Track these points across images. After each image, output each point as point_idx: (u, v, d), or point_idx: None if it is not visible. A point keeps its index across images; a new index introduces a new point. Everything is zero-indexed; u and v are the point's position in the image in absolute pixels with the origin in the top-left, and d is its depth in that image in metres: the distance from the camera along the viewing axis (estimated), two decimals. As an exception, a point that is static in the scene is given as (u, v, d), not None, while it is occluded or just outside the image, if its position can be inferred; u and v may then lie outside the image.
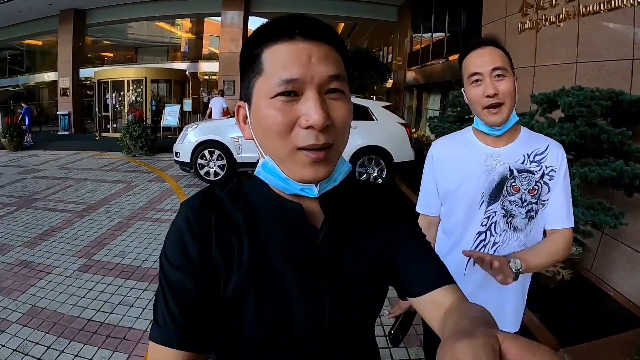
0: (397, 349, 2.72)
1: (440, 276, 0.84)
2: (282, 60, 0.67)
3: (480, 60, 1.40)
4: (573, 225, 1.50)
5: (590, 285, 4.18)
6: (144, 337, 3.03)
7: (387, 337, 1.92)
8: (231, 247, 0.72)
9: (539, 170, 1.46)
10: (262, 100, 0.69)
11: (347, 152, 7.46)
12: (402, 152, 7.77)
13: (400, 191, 0.98)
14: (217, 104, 12.27)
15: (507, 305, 1.58)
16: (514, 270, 1.34)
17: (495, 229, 1.50)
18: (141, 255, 4.47)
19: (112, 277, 3.95)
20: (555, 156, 1.46)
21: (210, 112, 12.21)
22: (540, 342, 2.35)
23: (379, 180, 7.85)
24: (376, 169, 7.86)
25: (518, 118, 1.47)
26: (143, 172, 9.06)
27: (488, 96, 1.38)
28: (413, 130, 10.91)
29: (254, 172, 0.79)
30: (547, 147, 1.47)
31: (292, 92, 0.67)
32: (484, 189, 1.48)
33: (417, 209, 1.75)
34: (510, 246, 1.49)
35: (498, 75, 1.38)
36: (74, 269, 4.14)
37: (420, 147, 9.30)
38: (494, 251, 1.50)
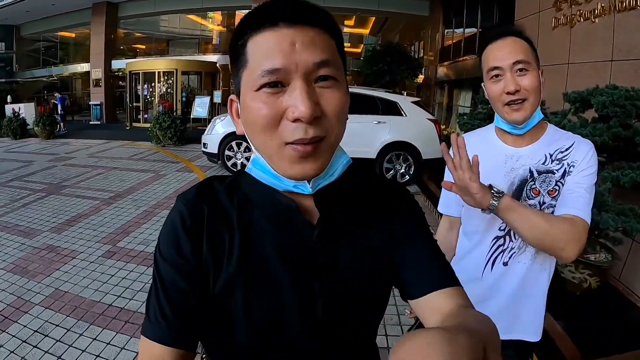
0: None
1: (442, 278, 0.77)
2: (264, 50, 0.62)
3: (501, 53, 1.28)
4: (588, 220, 1.26)
5: (618, 295, 4.01)
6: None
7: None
8: (222, 241, 0.69)
9: (560, 168, 1.33)
10: (248, 93, 0.65)
11: (375, 148, 7.60)
12: (430, 148, 7.56)
13: (403, 186, 0.90)
14: None
15: (524, 312, 1.49)
16: (495, 192, 1.25)
17: (514, 234, 1.40)
18: None
19: (135, 264, 4.01)
20: (580, 153, 1.31)
21: None
22: (562, 351, 2.25)
23: (406, 176, 7.74)
24: (404, 165, 7.72)
25: (542, 116, 1.36)
26: (171, 162, 9.19)
27: (509, 92, 1.27)
28: (443, 127, 10.73)
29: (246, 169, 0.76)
30: (573, 144, 1.34)
31: (277, 83, 0.62)
32: (504, 191, 1.36)
33: (439, 209, 1.70)
34: (528, 252, 1.41)
35: (520, 70, 1.26)
36: (98, 254, 4.23)
37: (449, 144, 9.16)
38: (510, 257, 1.43)
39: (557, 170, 1.33)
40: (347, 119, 0.70)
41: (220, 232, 0.70)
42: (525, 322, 1.50)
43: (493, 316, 1.37)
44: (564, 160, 1.33)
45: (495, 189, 1.25)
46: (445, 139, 8.90)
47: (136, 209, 5.76)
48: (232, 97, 0.73)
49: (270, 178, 0.69)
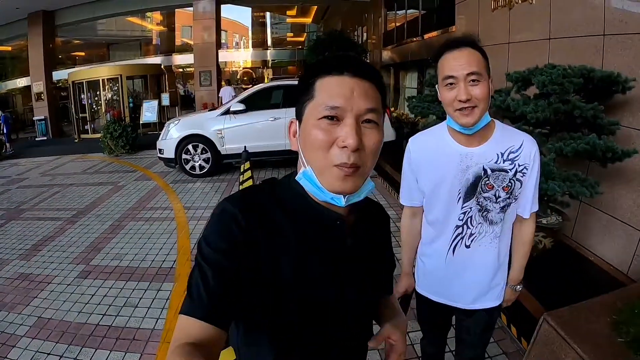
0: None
1: (390, 286, 1.25)
2: (330, 90, 0.83)
3: (456, 64, 1.42)
4: (537, 209, 1.69)
5: (571, 252, 4.38)
6: (153, 335, 3.14)
7: None
8: (274, 241, 0.86)
9: (512, 168, 1.55)
10: (311, 120, 0.84)
11: None
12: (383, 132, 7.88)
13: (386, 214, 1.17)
14: (226, 93, 12.23)
15: (490, 283, 1.76)
16: (518, 291, 1.85)
17: (471, 222, 1.63)
18: (138, 256, 4.55)
19: (113, 280, 4.03)
20: (529, 154, 1.56)
21: (221, 102, 12.27)
22: (526, 307, 2.51)
23: None
24: None
25: (490, 118, 1.55)
26: (128, 172, 9.04)
27: (460, 100, 1.43)
28: (392, 109, 10.99)
29: (295, 177, 0.94)
30: (522, 145, 1.56)
31: (334, 117, 0.82)
32: (460, 187, 1.60)
33: (402, 202, 1.88)
34: (487, 237, 1.65)
35: (473, 80, 1.41)
36: (73, 276, 4.20)
37: (400, 126, 9.43)
38: (471, 241, 1.66)
39: (509, 169, 1.55)
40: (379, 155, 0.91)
41: (270, 231, 0.86)
42: (492, 291, 1.78)
43: (462, 290, 1.74)
44: (516, 160, 1.55)
45: (517, 289, 1.86)
46: (396, 122, 9.18)
47: (102, 224, 5.70)
48: (293, 119, 0.94)
49: (314, 188, 0.87)
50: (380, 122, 0.88)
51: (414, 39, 12.68)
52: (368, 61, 18.08)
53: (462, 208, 1.61)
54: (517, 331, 3.06)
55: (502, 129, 1.59)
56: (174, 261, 4.37)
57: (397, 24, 15.29)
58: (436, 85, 1.56)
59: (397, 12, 15.46)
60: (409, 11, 14.21)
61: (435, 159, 1.64)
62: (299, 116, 0.90)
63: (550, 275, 3.72)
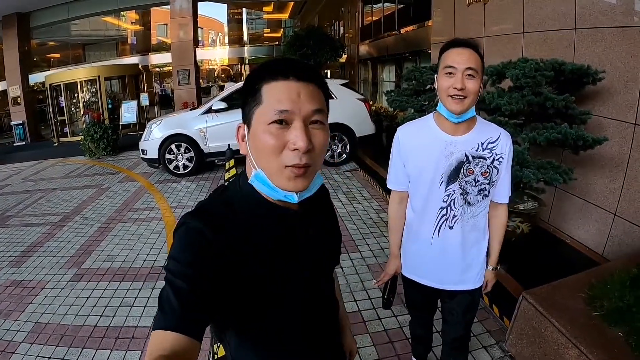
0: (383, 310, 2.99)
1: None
2: (277, 95, 0.87)
3: (459, 58, 1.61)
4: (510, 194, 1.92)
5: (548, 235, 4.59)
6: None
7: (382, 302, 2.23)
8: (239, 245, 0.91)
9: (490, 156, 1.77)
10: (260, 126, 0.88)
11: None
12: (363, 126, 8.14)
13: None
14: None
15: (470, 265, 1.95)
16: (496, 271, 2.05)
17: (454, 204, 1.83)
18: (129, 257, 4.60)
19: (106, 281, 4.07)
20: (505, 145, 1.78)
21: None
22: (507, 289, 2.67)
23: (344, 155, 8.21)
24: (340, 145, 8.18)
25: (475, 113, 1.76)
26: (111, 174, 8.99)
27: (455, 88, 1.63)
28: (371, 102, 11.15)
29: (242, 180, 1.00)
30: (499, 137, 1.78)
31: (283, 121, 0.86)
32: (444, 171, 1.79)
33: (389, 186, 2.06)
34: (466, 217, 1.85)
35: (469, 75, 1.61)
36: (67, 279, 4.22)
37: (379, 119, 9.58)
38: (454, 222, 1.85)
39: (487, 157, 1.76)
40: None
41: (237, 238, 0.91)
42: (473, 272, 1.97)
43: (447, 272, 1.96)
44: (494, 150, 1.76)
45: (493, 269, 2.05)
46: (375, 115, 9.33)
47: (90, 228, 5.70)
48: (241, 124, 0.97)
49: (267, 189, 0.92)
50: (326, 121, 0.94)
51: (391, 33, 12.81)
52: (346, 55, 18.27)
53: (445, 191, 1.81)
54: (499, 311, 3.24)
55: (483, 122, 1.81)
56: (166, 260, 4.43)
57: (374, 18, 15.41)
58: (435, 75, 1.76)
59: (374, 6, 15.56)
60: (385, 5, 14.33)
61: (423, 146, 1.83)
62: (247, 121, 0.94)
63: (529, 258, 3.92)
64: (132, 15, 22.59)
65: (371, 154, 8.59)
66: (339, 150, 8.21)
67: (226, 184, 1.08)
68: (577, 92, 3.72)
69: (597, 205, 4.09)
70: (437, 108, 1.79)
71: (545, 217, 4.74)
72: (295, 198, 0.92)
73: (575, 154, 3.60)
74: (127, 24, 23.07)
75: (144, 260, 4.47)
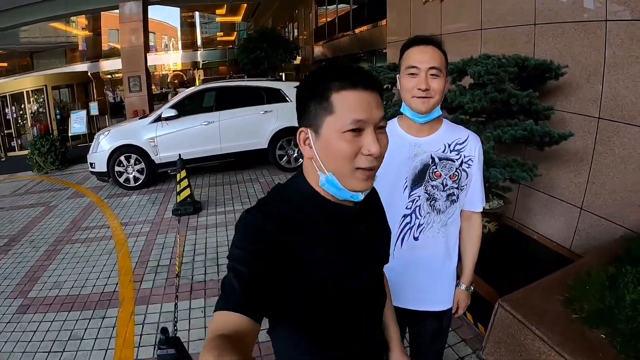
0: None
1: None
2: (351, 105, 0.91)
3: (421, 57, 1.53)
4: (484, 204, 1.81)
5: (515, 232, 4.56)
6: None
7: None
8: (298, 244, 0.94)
9: (459, 158, 1.64)
10: (334, 133, 0.92)
11: (265, 137, 7.78)
12: None
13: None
14: None
15: (438, 282, 1.78)
16: (470, 291, 1.90)
17: (419, 212, 1.67)
18: (78, 282, 4.26)
19: (54, 312, 3.74)
20: (474, 147, 1.67)
21: None
22: (479, 292, 2.54)
23: (300, 160, 8.02)
24: (296, 150, 8.06)
25: (441, 112, 1.64)
26: (59, 190, 8.49)
27: (419, 89, 1.52)
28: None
29: (296, 180, 1.06)
30: (467, 138, 1.67)
31: (357, 129, 0.91)
32: (407, 174, 1.64)
33: None
34: (435, 227, 1.69)
35: (433, 74, 1.53)
36: (12, 312, 3.85)
37: None
38: (420, 232, 1.68)
39: (455, 159, 1.64)
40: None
41: (296, 233, 0.95)
42: (441, 291, 1.81)
43: (411, 289, 1.72)
44: (462, 152, 1.64)
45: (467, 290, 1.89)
46: None
47: (36, 251, 5.29)
48: (303, 129, 1.00)
49: (335, 190, 0.98)
50: (386, 124, 1.00)
51: (346, 33, 12.79)
52: (300, 57, 18.21)
53: (409, 196, 1.66)
54: (473, 317, 3.14)
55: (449, 124, 1.71)
56: (116, 284, 4.14)
57: (328, 19, 15.41)
58: (397, 75, 1.66)
59: (328, 7, 15.55)
60: (339, 6, 14.32)
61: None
62: (313, 127, 0.97)
63: (497, 257, 3.81)
64: (82, 20, 21.84)
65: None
66: (295, 155, 8.11)
67: (283, 182, 1.11)
68: (539, 87, 3.70)
69: (562, 200, 4.08)
70: (401, 110, 1.68)
71: (509, 214, 4.72)
72: (361, 197, 1.00)
73: (541, 150, 3.56)
74: (77, 29, 22.27)
75: (94, 286, 4.15)
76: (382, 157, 0.98)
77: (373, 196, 1.21)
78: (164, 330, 2.18)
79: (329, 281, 0.99)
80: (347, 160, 0.93)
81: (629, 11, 3.28)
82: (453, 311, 1.89)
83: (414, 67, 1.54)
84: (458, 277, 1.88)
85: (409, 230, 1.69)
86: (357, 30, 11.82)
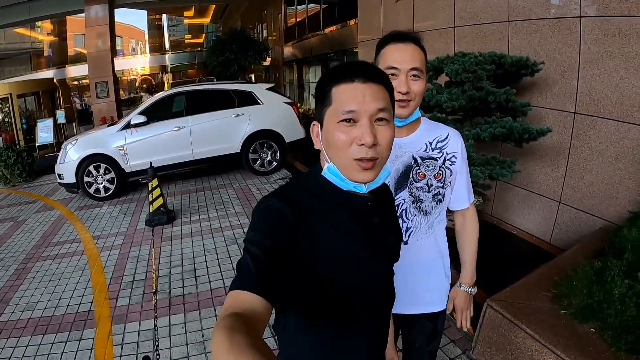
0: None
1: None
2: (344, 97, 0.96)
3: (401, 57, 1.44)
4: (473, 199, 1.75)
5: (494, 228, 4.61)
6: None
7: None
8: (315, 231, 0.97)
9: (441, 156, 1.57)
10: (331, 124, 0.98)
11: (238, 141, 7.63)
12: (292, 131, 7.94)
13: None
14: None
15: (432, 285, 1.71)
16: (472, 294, 1.80)
17: (406, 215, 1.60)
18: (51, 302, 4.04)
19: (28, 335, 3.52)
20: (456, 143, 1.60)
21: None
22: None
23: (274, 163, 7.98)
24: (269, 153, 7.94)
25: (420, 114, 1.57)
26: (28, 203, 8.14)
27: (400, 92, 1.42)
28: (298, 105, 11.07)
29: (319, 172, 1.06)
30: (448, 135, 1.59)
31: (351, 120, 0.95)
32: (390, 178, 1.55)
33: None
34: (422, 229, 1.62)
35: (414, 76, 1.44)
36: (-17, 338, 3.60)
37: (308, 122, 9.49)
38: (409, 236, 1.61)
39: (438, 157, 1.56)
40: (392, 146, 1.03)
41: (313, 220, 0.97)
42: (435, 294, 1.73)
43: (403, 294, 1.55)
44: (444, 149, 1.57)
45: (471, 292, 1.81)
46: (304, 118, 9.22)
47: (6, 270, 5.00)
48: (315, 123, 1.05)
49: (339, 180, 1.01)
50: (391, 118, 1.01)
51: (316, 33, 12.76)
52: (270, 58, 18.09)
53: (395, 200, 1.56)
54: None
55: (428, 122, 1.63)
56: (91, 302, 3.95)
57: (298, 19, 15.34)
58: None
59: (297, 7, 15.47)
60: (309, 6, 14.27)
61: None
62: (320, 120, 1.03)
63: (480, 255, 3.83)
64: (47, 25, 21.18)
65: (302, 159, 8.46)
66: (269, 158, 7.98)
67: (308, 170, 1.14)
68: (514, 84, 3.72)
69: (541, 195, 4.13)
70: None
71: (488, 210, 4.75)
72: (364, 189, 1.02)
73: (519, 147, 3.58)
74: (42, 35, 21.62)
75: (67, 305, 3.93)
76: (384, 148, 0.99)
77: (386, 194, 1.24)
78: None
79: (344, 269, 1.01)
80: (342, 150, 0.97)
81: (603, 7, 3.34)
82: (448, 312, 1.82)
83: (393, 67, 1.44)
84: (453, 277, 1.81)
85: None
86: (327, 30, 11.78)
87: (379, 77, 1.00)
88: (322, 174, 1.04)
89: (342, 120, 0.96)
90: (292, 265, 0.90)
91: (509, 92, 3.38)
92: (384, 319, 1.22)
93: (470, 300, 1.81)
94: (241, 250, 0.93)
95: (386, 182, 1.16)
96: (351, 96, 0.95)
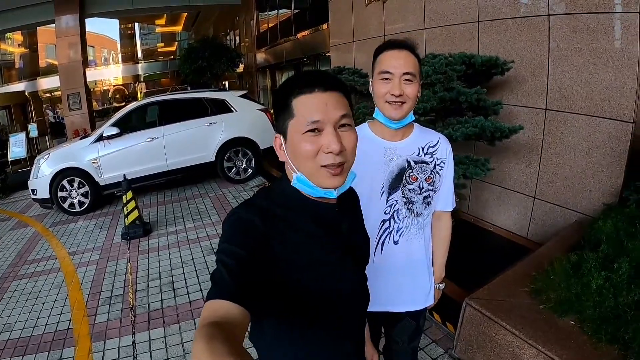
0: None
1: None
2: (307, 107, 0.97)
3: (395, 62, 1.51)
4: (455, 206, 1.82)
5: (471, 226, 4.65)
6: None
7: None
8: (287, 236, 0.99)
9: (432, 161, 1.65)
10: (296, 135, 0.98)
11: (212, 150, 7.57)
12: (266, 138, 7.86)
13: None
14: None
15: (418, 284, 1.78)
16: (441, 289, 1.92)
17: (398, 216, 1.66)
18: (29, 322, 3.89)
19: (7, 357, 3.40)
20: (445, 149, 1.69)
21: None
22: (447, 293, 2.51)
23: (249, 170, 7.93)
24: (244, 160, 7.90)
25: (414, 117, 1.62)
26: (2, 221, 7.87)
27: (393, 94, 1.50)
28: (272, 110, 11.05)
29: (284, 182, 1.07)
30: (438, 141, 1.68)
31: (316, 129, 0.96)
32: (384, 180, 1.62)
33: None
34: (413, 229, 1.69)
35: (407, 80, 1.51)
36: (-41, 364, 3.46)
37: None
38: (399, 236, 1.67)
39: (429, 162, 1.64)
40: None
41: (283, 230, 0.99)
42: (420, 291, 1.79)
43: (390, 292, 1.70)
44: (434, 154, 1.65)
45: (440, 288, 1.93)
46: None
47: (-19, 291, 4.89)
48: (277, 135, 1.05)
49: (308, 188, 1.02)
50: (352, 122, 1.03)
51: (288, 38, 12.78)
52: (243, 65, 18.02)
53: (387, 201, 1.65)
54: (441, 317, 3.13)
55: (420, 128, 1.72)
56: (69, 320, 3.84)
57: (270, 25, 15.34)
58: (370, 79, 1.64)
59: (269, 12, 15.47)
60: (281, 11, 14.28)
61: (360, 154, 1.63)
62: (282, 132, 1.02)
63: (458, 253, 3.85)
64: (18, 37, 20.68)
65: (277, 165, 8.39)
66: (244, 165, 7.92)
67: (268, 185, 1.10)
68: (485, 83, 3.77)
69: (516, 191, 4.19)
70: (374, 115, 1.66)
71: (464, 209, 4.80)
72: (334, 194, 1.03)
73: (492, 145, 3.62)
74: (12, 46, 21.10)
75: (46, 325, 3.81)
76: (349, 152, 1.01)
77: (352, 200, 1.26)
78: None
79: (317, 275, 1.02)
80: (309, 159, 0.98)
81: (571, 5, 3.42)
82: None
83: (387, 72, 1.52)
84: None
85: (389, 235, 1.69)
86: (299, 35, 11.81)
87: (337, 85, 1.02)
88: (292, 184, 1.06)
89: (307, 131, 0.97)
90: (265, 274, 0.91)
91: (479, 91, 3.42)
92: (359, 322, 1.23)
93: (438, 294, 1.94)
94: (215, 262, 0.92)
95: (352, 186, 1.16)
96: (314, 106, 0.97)
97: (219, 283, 0.86)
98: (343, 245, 1.11)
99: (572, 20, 3.41)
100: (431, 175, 1.65)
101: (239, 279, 0.86)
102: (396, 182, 1.63)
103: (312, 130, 0.97)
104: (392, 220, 1.67)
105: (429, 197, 1.67)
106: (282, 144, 1.05)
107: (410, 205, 1.66)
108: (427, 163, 1.65)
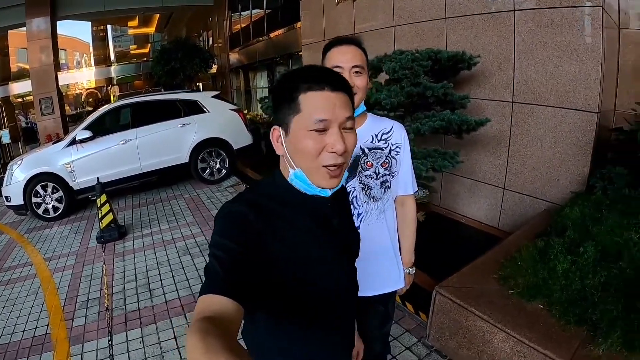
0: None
1: None
2: (316, 105, 0.96)
3: (343, 57, 1.59)
4: (417, 189, 1.88)
5: (443, 219, 4.72)
6: None
7: None
8: (278, 231, 0.98)
9: (386, 147, 1.72)
10: (300, 132, 0.97)
11: (185, 151, 7.52)
12: (240, 138, 7.90)
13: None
14: None
15: (384, 267, 1.82)
16: (412, 274, 1.97)
17: (357, 202, 1.72)
18: (7, 329, 3.80)
19: (-5, 366, 3.36)
20: (399, 135, 1.75)
21: None
22: (416, 282, 2.56)
23: (223, 171, 7.90)
24: (218, 161, 7.86)
25: (365, 108, 1.70)
26: (-25, 229, 7.75)
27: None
28: (245, 111, 10.99)
29: (277, 176, 1.08)
30: (392, 128, 1.75)
31: (322, 129, 0.96)
32: None
33: None
34: (373, 215, 1.74)
35: (356, 72, 1.58)
36: (-63, 376, 3.36)
37: (256, 128, 9.39)
38: (360, 221, 1.73)
39: (384, 148, 1.72)
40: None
41: (276, 223, 0.99)
42: (388, 275, 1.84)
43: (358, 277, 1.64)
44: (389, 140, 1.73)
45: (411, 273, 1.98)
46: (251, 123, 9.18)
47: (-44, 300, 4.75)
48: (275, 127, 1.04)
49: (304, 185, 1.03)
50: (354, 125, 1.03)
51: (261, 38, 12.76)
52: (216, 65, 17.88)
53: (349, 198, 1.64)
54: (413, 306, 3.18)
55: (373, 117, 1.79)
56: (47, 325, 3.79)
57: (243, 25, 15.28)
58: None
59: (242, 13, 15.40)
60: (253, 11, 14.24)
61: None
62: (284, 126, 1.01)
63: (430, 245, 3.92)
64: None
65: (251, 165, 8.43)
66: (218, 166, 7.87)
67: (243, 185, 1.09)
68: (453, 78, 3.84)
69: (485, 183, 4.28)
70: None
71: (436, 202, 4.88)
72: (328, 192, 1.04)
73: (459, 138, 3.69)
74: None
75: (23, 331, 3.74)
76: (349, 154, 1.01)
77: (342, 195, 1.27)
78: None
79: (310, 269, 1.03)
80: (312, 157, 0.98)
81: (536, 0, 3.51)
82: (399, 293, 1.95)
83: (337, 66, 1.57)
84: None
85: None
86: (272, 35, 11.80)
87: (344, 86, 1.02)
88: (288, 179, 1.06)
89: (313, 129, 0.96)
90: (258, 268, 0.91)
91: (446, 86, 3.48)
92: (351, 315, 1.26)
93: (410, 279, 1.99)
94: (206, 257, 0.93)
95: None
96: (323, 105, 0.96)
97: (212, 277, 0.86)
98: (337, 240, 1.12)
99: (537, 14, 3.50)
100: (387, 160, 1.72)
101: (231, 272, 0.86)
102: (352, 170, 1.70)
103: (319, 129, 0.97)
104: (351, 206, 1.67)
105: (387, 181, 1.73)
106: (280, 136, 1.04)
107: (368, 190, 1.71)
108: (381, 149, 1.71)
